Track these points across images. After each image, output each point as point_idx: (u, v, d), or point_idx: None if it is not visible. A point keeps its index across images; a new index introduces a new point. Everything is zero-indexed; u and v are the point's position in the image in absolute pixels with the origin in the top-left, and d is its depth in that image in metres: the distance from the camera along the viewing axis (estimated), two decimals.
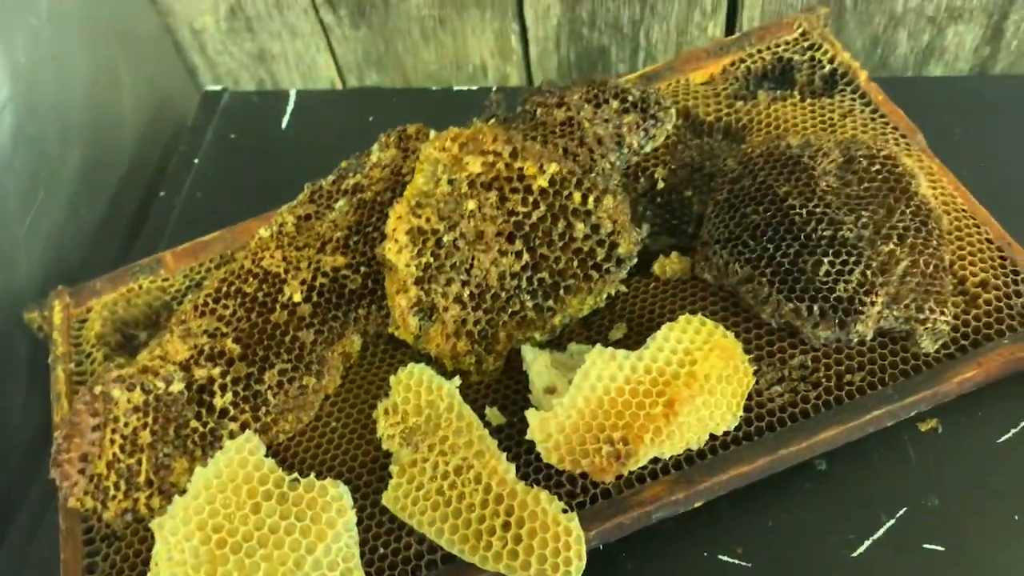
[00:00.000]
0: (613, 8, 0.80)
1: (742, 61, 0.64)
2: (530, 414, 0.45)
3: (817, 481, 0.50)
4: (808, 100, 0.61)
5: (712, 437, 0.48)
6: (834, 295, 0.48)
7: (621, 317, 0.53)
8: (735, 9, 0.79)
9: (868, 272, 0.49)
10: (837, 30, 0.79)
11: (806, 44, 0.64)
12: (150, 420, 0.47)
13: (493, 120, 0.59)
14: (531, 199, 0.50)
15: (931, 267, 0.49)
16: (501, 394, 0.51)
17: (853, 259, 0.49)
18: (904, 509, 0.48)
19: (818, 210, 0.51)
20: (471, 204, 0.50)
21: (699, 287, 0.54)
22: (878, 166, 0.52)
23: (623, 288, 0.54)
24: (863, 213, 0.51)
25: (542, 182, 0.51)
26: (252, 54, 0.87)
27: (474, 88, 0.75)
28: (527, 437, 0.45)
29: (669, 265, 0.55)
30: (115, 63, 0.76)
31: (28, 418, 0.63)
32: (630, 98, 0.58)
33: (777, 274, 0.50)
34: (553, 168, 0.51)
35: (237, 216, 0.63)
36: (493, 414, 0.49)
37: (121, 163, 0.75)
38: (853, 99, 0.61)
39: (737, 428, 0.48)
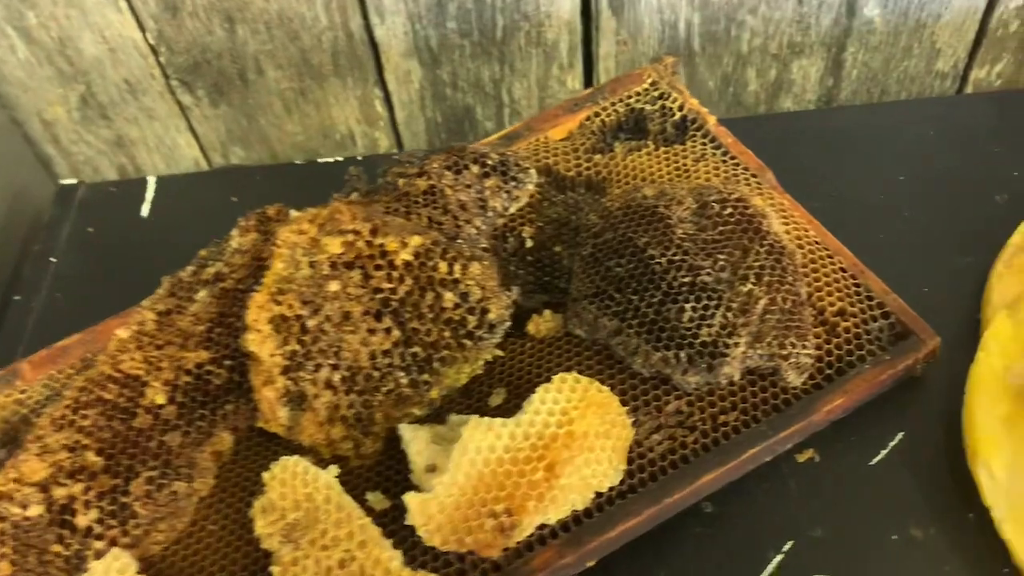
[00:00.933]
0: (473, 68, 0.81)
1: (597, 115, 0.66)
2: (408, 498, 0.44)
3: (705, 524, 0.50)
4: (662, 148, 0.63)
5: (597, 495, 0.47)
6: (699, 340, 0.49)
7: (500, 381, 0.53)
8: (591, 61, 0.81)
9: (729, 314, 0.50)
10: (690, 74, 0.83)
11: (656, 94, 0.66)
12: (8, 550, 0.44)
13: (355, 194, 0.58)
14: (395, 274, 0.50)
15: (789, 303, 0.51)
16: (383, 476, 0.50)
17: (714, 303, 0.50)
18: (791, 543, 0.49)
19: (677, 258, 0.52)
20: (334, 286, 0.49)
21: (573, 343, 0.54)
22: (730, 209, 0.54)
23: (499, 352, 0.53)
24: (719, 256, 0.52)
25: (405, 256, 0.50)
26: (109, 141, 0.84)
27: (340, 159, 0.75)
28: (407, 522, 0.44)
29: (543, 323, 0.55)
30: None
31: None
32: (489, 162, 0.58)
33: (644, 324, 0.50)
34: (415, 241, 0.51)
35: (101, 316, 0.60)
36: (376, 498, 0.48)
37: None
38: (704, 143, 0.63)
39: (621, 482, 0.48)
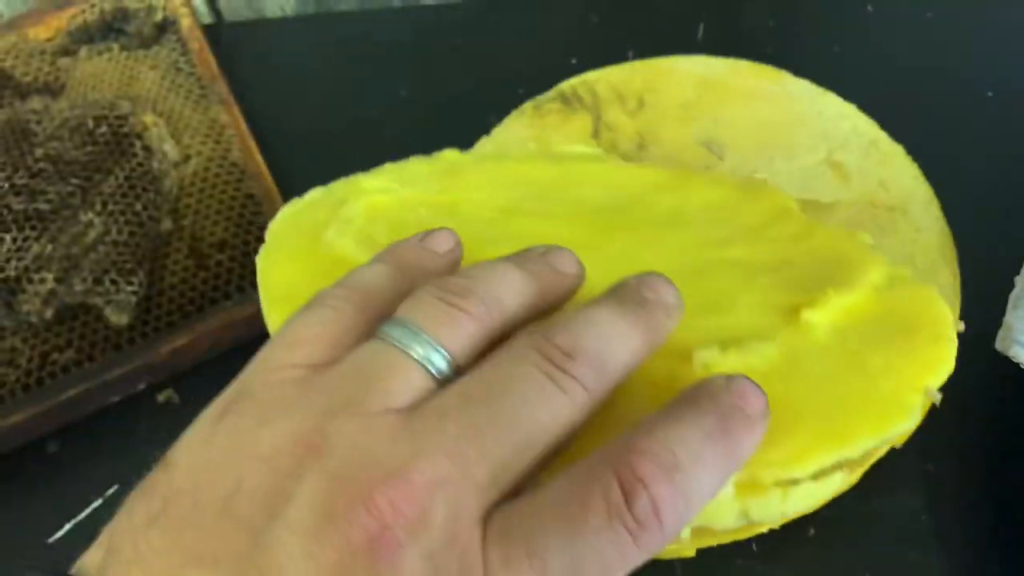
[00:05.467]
0: None
1: (83, 12, 0.60)
2: None
3: (44, 462, 0.48)
4: (125, 53, 0.57)
5: None
6: (2, 275, 0.46)
7: None
8: None
9: (50, 246, 0.46)
10: None
11: None
12: None
13: None
14: None
15: (125, 234, 0.47)
16: None
17: (36, 233, 0.46)
18: (115, 487, 0.47)
19: (20, 181, 0.48)
20: None
21: None
22: (104, 128, 0.49)
23: None
24: (73, 180, 0.48)
25: None
26: None
27: None
28: None
29: None
30: None
31: None
32: None
33: None
34: None
35: None
36: None
37: None
38: (174, 48, 0.57)
39: None
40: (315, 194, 0.39)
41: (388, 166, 0.39)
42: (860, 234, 0.33)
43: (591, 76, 0.45)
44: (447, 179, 0.37)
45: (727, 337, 0.28)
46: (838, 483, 0.28)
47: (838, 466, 0.26)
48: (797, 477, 0.26)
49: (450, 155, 0.39)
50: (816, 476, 0.26)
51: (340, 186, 0.39)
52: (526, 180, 0.37)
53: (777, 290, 0.30)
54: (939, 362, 0.28)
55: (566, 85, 0.45)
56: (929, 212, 0.39)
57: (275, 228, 0.37)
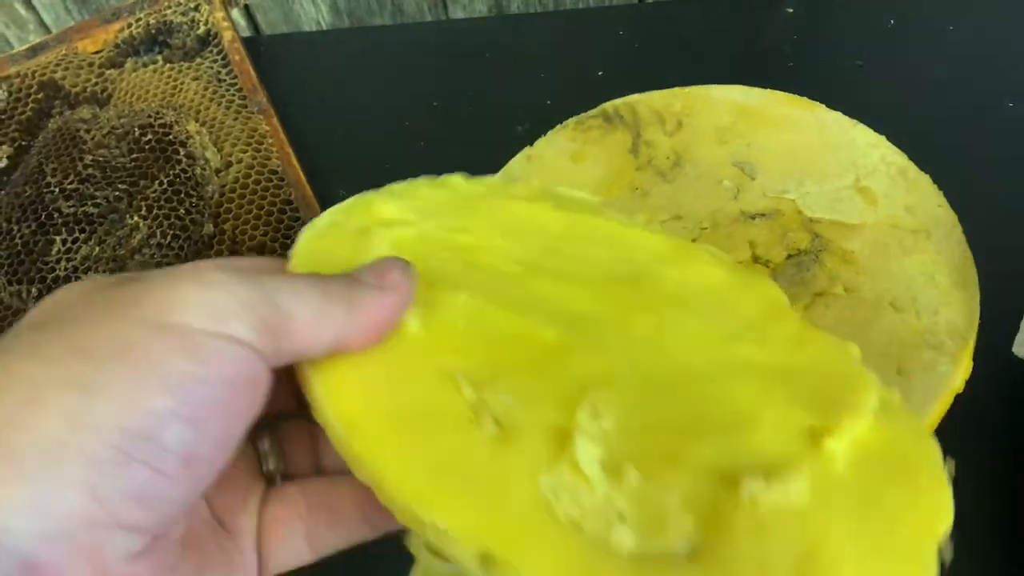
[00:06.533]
0: None
1: (129, 26, 0.63)
2: None
3: None
4: (169, 65, 0.60)
5: None
6: (53, 274, 0.48)
7: None
8: None
9: (98, 248, 0.48)
10: None
11: (192, 5, 0.62)
12: None
13: None
14: None
15: (169, 237, 0.49)
16: None
17: (84, 235, 0.48)
18: None
19: (71, 186, 0.50)
20: None
21: None
22: (149, 136, 0.52)
23: None
24: (120, 186, 0.50)
25: None
26: None
27: None
28: None
29: None
30: None
31: None
32: None
33: (11, 256, 0.49)
34: None
35: None
36: None
37: None
38: (215, 60, 0.60)
39: None
40: (334, 216, 0.35)
41: (396, 187, 0.36)
42: (849, 345, 0.33)
43: (632, 98, 0.47)
44: (462, 213, 0.35)
45: (761, 462, 0.27)
46: None
47: None
48: None
49: (456, 182, 0.37)
50: None
51: (357, 208, 0.35)
52: (536, 228, 0.36)
53: (793, 406, 0.30)
54: (942, 506, 0.27)
55: (608, 105, 0.47)
56: (952, 236, 0.40)
57: (298, 259, 0.33)
